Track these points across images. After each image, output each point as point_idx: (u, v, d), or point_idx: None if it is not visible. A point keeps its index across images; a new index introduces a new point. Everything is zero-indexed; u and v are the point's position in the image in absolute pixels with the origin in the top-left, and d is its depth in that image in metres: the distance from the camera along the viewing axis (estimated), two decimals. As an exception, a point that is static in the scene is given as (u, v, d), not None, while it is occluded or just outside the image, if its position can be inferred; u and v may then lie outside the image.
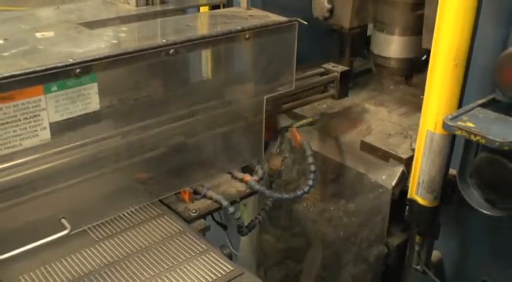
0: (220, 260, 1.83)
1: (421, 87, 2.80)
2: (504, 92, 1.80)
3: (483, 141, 1.70)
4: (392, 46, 2.70)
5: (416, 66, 2.81)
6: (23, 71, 1.48)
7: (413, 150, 2.26)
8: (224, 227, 2.87)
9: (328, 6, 2.81)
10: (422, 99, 2.06)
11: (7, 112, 1.49)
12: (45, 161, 1.72)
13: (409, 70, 2.78)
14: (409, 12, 2.60)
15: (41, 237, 1.64)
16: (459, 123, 1.76)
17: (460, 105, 1.96)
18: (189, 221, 2.07)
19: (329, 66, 2.69)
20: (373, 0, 2.76)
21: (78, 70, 1.58)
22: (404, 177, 2.37)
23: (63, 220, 1.72)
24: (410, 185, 2.20)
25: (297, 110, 2.62)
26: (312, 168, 2.35)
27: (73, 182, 1.80)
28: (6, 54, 1.63)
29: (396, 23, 2.66)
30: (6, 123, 1.50)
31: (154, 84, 2.08)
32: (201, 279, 1.74)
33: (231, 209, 2.16)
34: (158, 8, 2.29)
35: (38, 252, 1.72)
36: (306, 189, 2.34)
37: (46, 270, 1.75)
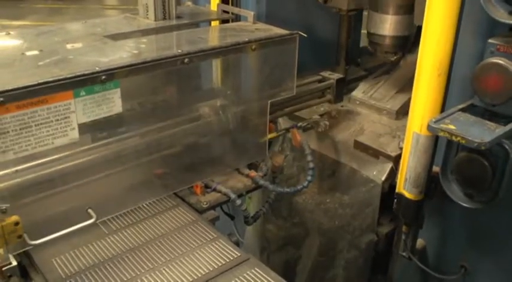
0: (228, 246, 1.84)
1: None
2: (481, 98, 1.81)
3: (463, 141, 1.71)
4: (386, 24, 2.64)
5: (408, 44, 2.75)
6: (55, 78, 1.50)
7: (401, 148, 2.27)
8: (232, 217, 2.87)
9: None
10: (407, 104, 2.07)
11: (41, 114, 1.51)
12: (75, 158, 1.74)
13: (402, 46, 2.73)
14: None
15: (70, 225, 1.65)
16: (442, 125, 1.77)
17: (442, 109, 1.97)
18: (200, 211, 2.08)
19: (326, 74, 2.69)
20: None
21: (103, 77, 1.60)
22: (393, 173, 2.38)
23: (89, 210, 1.73)
24: (398, 180, 2.20)
25: (297, 113, 2.63)
26: (311, 165, 2.36)
27: (99, 176, 1.83)
28: (41, 63, 1.65)
29: (390, 2, 2.61)
30: (41, 124, 1.52)
31: (170, 90, 2.10)
32: (212, 263, 1.75)
33: (238, 201, 2.17)
34: (174, 22, 2.29)
35: (67, 238, 1.74)
36: (305, 184, 2.34)
37: (75, 254, 1.77)
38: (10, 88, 1.42)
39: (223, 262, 1.76)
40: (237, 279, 1.69)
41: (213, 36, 2.22)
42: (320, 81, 2.67)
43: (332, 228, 2.67)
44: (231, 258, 1.78)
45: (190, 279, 1.68)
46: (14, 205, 1.55)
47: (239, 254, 1.80)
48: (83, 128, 1.62)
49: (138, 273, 1.70)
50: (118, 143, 1.88)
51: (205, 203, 2.11)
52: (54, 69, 1.59)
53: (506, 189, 1.87)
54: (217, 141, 2.22)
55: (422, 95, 1.96)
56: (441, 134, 1.77)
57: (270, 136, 2.33)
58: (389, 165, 2.40)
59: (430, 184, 2.13)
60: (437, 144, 2.05)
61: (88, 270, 1.71)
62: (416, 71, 1.97)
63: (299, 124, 2.50)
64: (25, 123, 1.48)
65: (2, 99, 1.41)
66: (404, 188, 2.15)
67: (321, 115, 2.66)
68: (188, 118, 2.11)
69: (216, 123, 2.15)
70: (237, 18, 2.56)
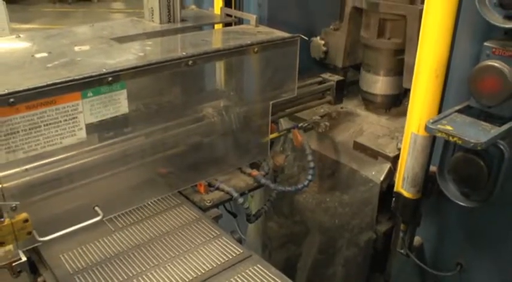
0: (231, 243, 1.85)
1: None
2: (477, 99, 1.81)
3: (460, 142, 1.71)
4: (378, 84, 2.75)
5: (397, 101, 2.85)
6: (63, 79, 1.51)
7: (399, 149, 2.26)
8: (234, 215, 2.87)
9: (323, 49, 2.90)
10: (406, 105, 2.08)
11: (50, 115, 1.51)
12: (82, 157, 1.75)
13: (391, 104, 2.84)
14: (392, 57, 2.66)
15: (78, 222, 1.66)
16: (439, 126, 1.77)
17: (440, 110, 1.97)
18: (204, 209, 2.09)
19: (326, 76, 2.70)
20: (362, 45, 2.81)
21: (110, 78, 1.61)
22: (391, 173, 2.38)
23: (96, 208, 1.74)
24: (396, 180, 2.20)
25: (297, 114, 2.64)
26: (311, 164, 2.37)
27: (105, 175, 1.83)
28: (49, 65, 1.66)
29: (381, 65, 2.71)
30: (50, 124, 1.52)
31: (175, 91, 2.10)
32: (215, 260, 1.76)
33: (241, 200, 2.18)
34: (179, 25, 2.30)
35: (75, 235, 1.74)
36: (305, 183, 2.36)
37: (82, 250, 1.78)
38: (20, 89, 1.43)
39: (226, 259, 1.77)
40: (239, 275, 1.69)
41: (217, 39, 2.23)
42: (320, 83, 2.68)
43: (332, 226, 2.67)
44: (234, 255, 1.79)
45: (194, 276, 1.69)
46: (24, 203, 1.55)
47: (241, 251, 1.81)
48: (90, 128, 1.63)
49: (144, 269, 1.71)
50: (124, 142, 1.89)
51: (208, 201, 2.12)
52: (63, 71, 1.60)
53: (501, 189, 1.87)
54: (221, 141, 2.22)
55: (420, 96, 1.96)
56: (438, 134, 1.77)
57: (271, 136, 2.34)
58: (387, 166, 2.40)
59: (428, 183, 2.14)
60: (435, 144, 2.06)
61: (95, 266, 1.72)
62: (414, 73, 1.97)
63: (300, 125, 2.51)
64: (34, 123, 1.49)
65: (12, 99, 1.41)
66: (403, 187, 2.15)
67: (321, 116, 2.66)
68: (192, 119, 2.11)
69: (219, 123, 2.16)
70: (240, 21, 2.57)
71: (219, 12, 2.61)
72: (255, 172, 2.30)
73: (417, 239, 2.37)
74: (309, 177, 2.35)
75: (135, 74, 1.68)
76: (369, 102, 2.84)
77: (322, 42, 2.89)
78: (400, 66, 2.60)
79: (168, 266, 1.73)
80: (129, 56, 1.81)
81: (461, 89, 1.91)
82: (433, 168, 2.09)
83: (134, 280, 1.66)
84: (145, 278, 1.67)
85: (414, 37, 2.39)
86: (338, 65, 2.89)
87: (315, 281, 2.87)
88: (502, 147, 1.80)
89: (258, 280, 1.67)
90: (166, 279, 1.67)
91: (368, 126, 2.68)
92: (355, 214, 2.55)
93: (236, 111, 2.20)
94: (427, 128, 1.80)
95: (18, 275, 1.62)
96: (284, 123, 2.65)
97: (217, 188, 2.19)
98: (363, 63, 2.81)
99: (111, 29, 2.18)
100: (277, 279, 1.67)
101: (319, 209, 2.72)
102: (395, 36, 2.59)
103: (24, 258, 1.59)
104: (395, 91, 2.74)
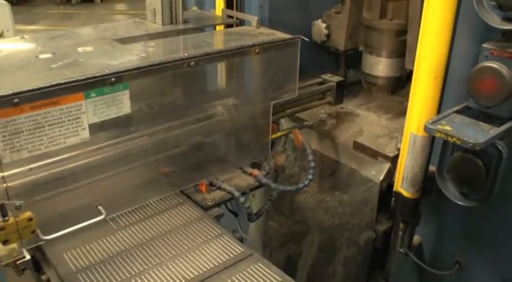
0: (232, 242, 1.85)
1: (403, 95, 2.85)
2: (476, 100, 1.81)
3: (458, 142, 1.71)
4: (380, 66, 2.73)
5: (399, 83, 2.82)
6: (67, 80, 1.51)
7: (398, 149, 2.27)
8: (235, 215, 2.87)
9: (325, 31, 2.87)
10: (405, 105, 2.08)
11: (54, 115, 1.52)
12: (85, 156, 1.75)
13: (394, 86, 2.81)
14: (394, 38, 2.64)
15: (81, 221, 1.66)
16: (438, 126, 1.78)
17: (439, 111, 1.97)
18: (205, 209, 2.08)
19: (326, 76, 2.70)
20: (363, 27, 2.79)
21: (113, 79, 1.61)
22: (390, 173, 2.38)
23: (99, 207, 1.74)
24: (396, 179, 2.21)
25: (298, 114, 2.64)
26: (312, 164, 2.37)
27: (108, 174, 1.83)
28: (53, 66, 1.66)
29: (383, 47, 2.69)
30: (53, 124, 1.53)
31: (176, 92, 2.10)
32: (216, 258, 1.76)
33: (242, 199, 2.17)
34: (181, 26, 2.30)
35: (78, 234, 1.74)
36: (306, 182, 2.35)
37: (85, 249, 1.78)
38: (24, 90, 1.43)
39: (228, 257, 1.77)
40: (240, 273, 1.69)
41: (218, 40, 2.23)
42: (321, 83, 2.67)
43: (332, 225, 2.67)
44: (235, 254, 1.79)
45: (196, 274, 1.69)
46: (28, 202, 1.55)
47: (243, 250, 1.80)
48: (93, 128, 1.63)
49: (146, 267, 1.71)
50: (127, 142, 1.88)
51: (210, 200, 2.12)
52: (66, 71, 1.60)
53: (499, 188, 1.87)
54: (222, 141, 2.22)
55: (419, 97, 1.97)
56: (437, 134, 1.78)
57: (272, 136, 2.34)
58: (387, 165, 2.40)
59: (427, 183, 2.14)
60: (434, 144, 2.06)
61: (98, 264, 1.72)
62: (413, 74, 1.97)
63: (300, 125, 2.50)
64: (38, 123, 1.49)
65: (16, 100, 1.42)
66: (402, 186, 2.15)
67: (322, 116, 2.66)
68: (194, 119, 2.11)
69: (220, 123, 2.16)
70: (241, 22, 2.57)
71: (220, 14, 2.61)
72: (256, 172, 2.30)
73: (416, 238, 2.37)
74: (310, 176, 2.35)
75: (138, 75, 1.68)
76: (371, 84, 2.81)
77: (324, 25, 2.86)
78: (403, 48, 2.58)
79: (170, 264, 1.73)
80: (131, 57, 1.81)
81: (460, 89, 1.91)
82: (432, 168, 2.10)
83: (137, 278, 1.66)
84: (148, 276, 1.67)
85: (416, 17, 2.36)
86: (340, 48, 2.87)
87: (315, 280, 2.87)
88: (500, 147, 1.80)
89: (258, 278, 1.67)
90: (168, 277, 1.67)
91: (368, 126, 2.68)
92: (354, 213, 2.55)
93: (237, 112, 2.20)
94: (426, 128, 1.80)
95: (22, 273, 1.62)
96: (285, 124, 2.65)
97: (219, 188, 2.19)
98: (365, 45, 2.78)
99: (114, 30, 2.18)
100: (277, 278, 1.67)
101: (319, 208, 2.72)
102: (398, 17, 2.57)
103: (28, 257, 1.59)
104: (398, 73, 2.72)
